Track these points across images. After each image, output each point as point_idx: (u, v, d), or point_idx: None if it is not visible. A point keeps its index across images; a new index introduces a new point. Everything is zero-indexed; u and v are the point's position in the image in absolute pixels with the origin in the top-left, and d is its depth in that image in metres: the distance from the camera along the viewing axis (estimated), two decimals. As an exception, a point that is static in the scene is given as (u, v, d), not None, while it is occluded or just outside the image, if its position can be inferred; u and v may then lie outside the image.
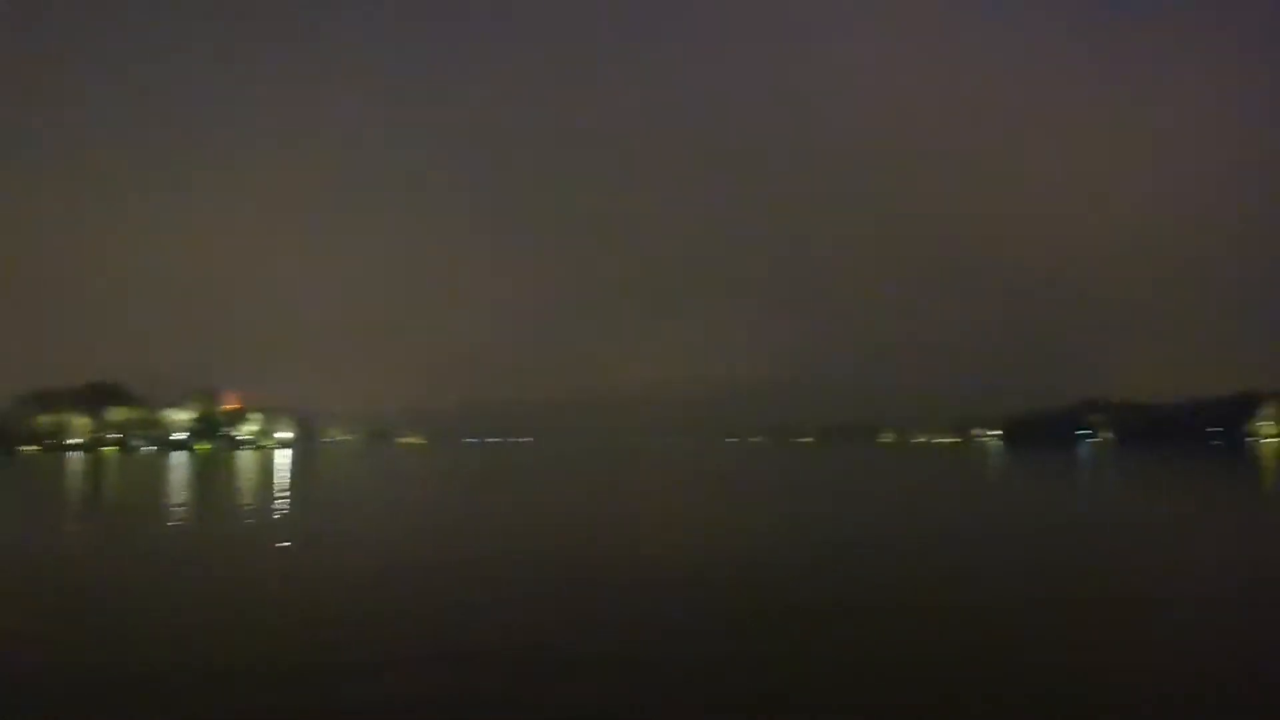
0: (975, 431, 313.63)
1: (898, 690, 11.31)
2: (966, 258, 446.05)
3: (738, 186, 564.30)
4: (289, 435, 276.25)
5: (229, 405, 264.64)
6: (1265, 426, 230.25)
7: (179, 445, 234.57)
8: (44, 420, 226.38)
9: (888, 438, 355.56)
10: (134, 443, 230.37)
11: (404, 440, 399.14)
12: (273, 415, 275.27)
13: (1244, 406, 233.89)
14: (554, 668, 12.14)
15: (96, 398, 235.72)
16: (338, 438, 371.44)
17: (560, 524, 34.10)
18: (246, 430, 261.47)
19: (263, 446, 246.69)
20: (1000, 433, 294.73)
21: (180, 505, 44.71)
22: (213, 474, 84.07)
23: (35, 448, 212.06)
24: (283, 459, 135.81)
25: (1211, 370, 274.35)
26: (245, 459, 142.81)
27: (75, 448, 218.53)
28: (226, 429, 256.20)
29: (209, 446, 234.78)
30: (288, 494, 52.25)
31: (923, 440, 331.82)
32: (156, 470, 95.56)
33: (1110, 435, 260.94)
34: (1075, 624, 15.62)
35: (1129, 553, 26.11)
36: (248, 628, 14.54)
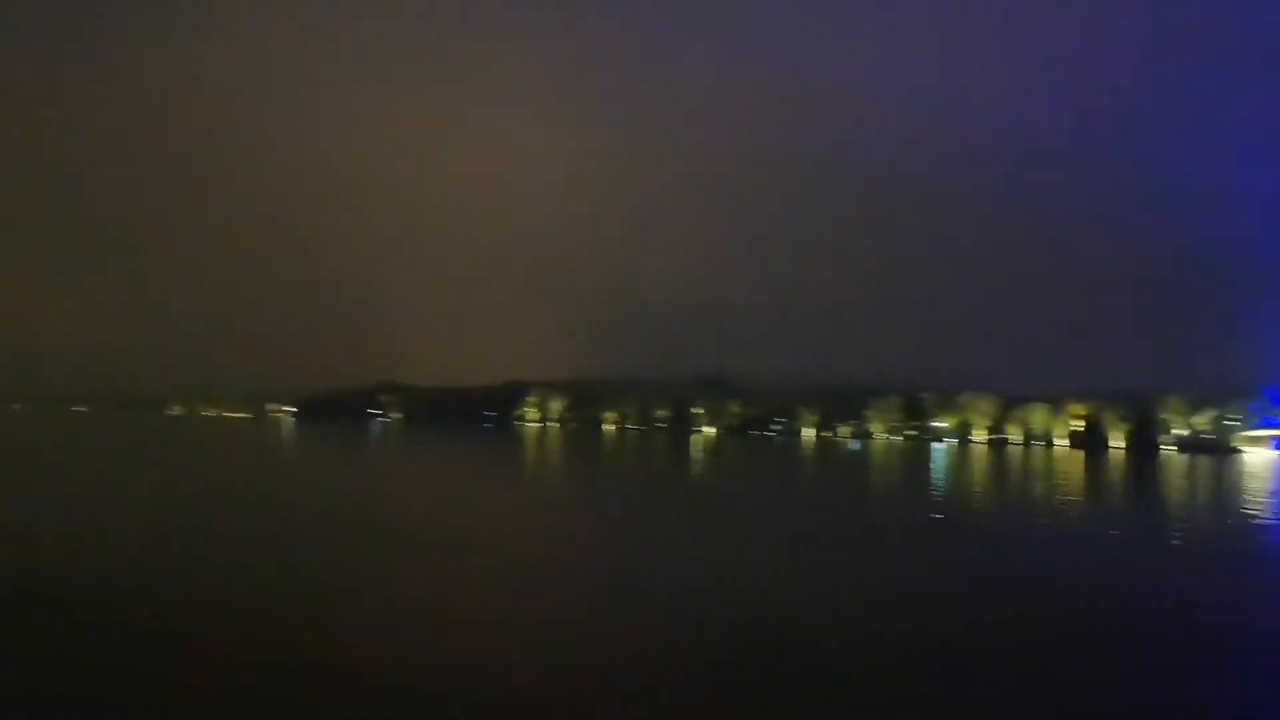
0: (270, 407, 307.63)
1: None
2: (292, 246, 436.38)
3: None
4: None
5: None
6: (529, 412, 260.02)
7: None
8: None
9: (176, 410, 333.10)
10: None
11: None
12: None
13: (513, 393, 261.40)
14: None
15: None
16: None
17: None
18: None
19: None
20: (295, 409, 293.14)
21: None
22: None
23: None
24: None
25: (488, 360, 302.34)
26: None
27: None
28: None
29: None
30: None
31: (213, 414, 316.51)
32: None
33: (399, 415, 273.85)
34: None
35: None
36: None
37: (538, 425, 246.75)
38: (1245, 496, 55.34)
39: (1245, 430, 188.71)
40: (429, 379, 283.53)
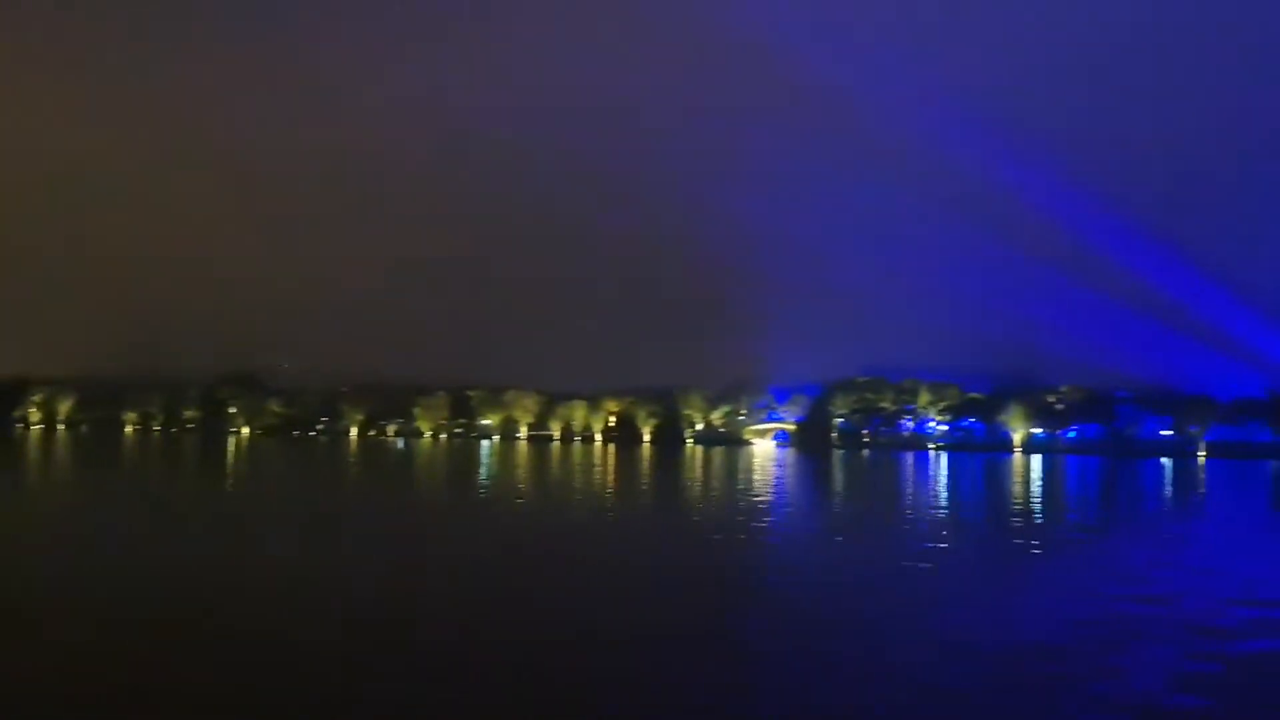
0: None
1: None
2: None
3: None
4: None
5: None
6: (32, 412, 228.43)
7: None
8: None
9: None
10: None
11: None
12: None
13: (12, 392, 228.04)
14: None
15: None
16: None
17: None
18: None
19: None
20: None
21: None
22: None
23: None
24: None
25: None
26: None
27: None
28: None
29: None
30: None
31: None
32: None
33: None
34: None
35: None
36: None
37: (41, 428, 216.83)
38: (744, 482, 62.05)
39: (753, 424, 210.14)
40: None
